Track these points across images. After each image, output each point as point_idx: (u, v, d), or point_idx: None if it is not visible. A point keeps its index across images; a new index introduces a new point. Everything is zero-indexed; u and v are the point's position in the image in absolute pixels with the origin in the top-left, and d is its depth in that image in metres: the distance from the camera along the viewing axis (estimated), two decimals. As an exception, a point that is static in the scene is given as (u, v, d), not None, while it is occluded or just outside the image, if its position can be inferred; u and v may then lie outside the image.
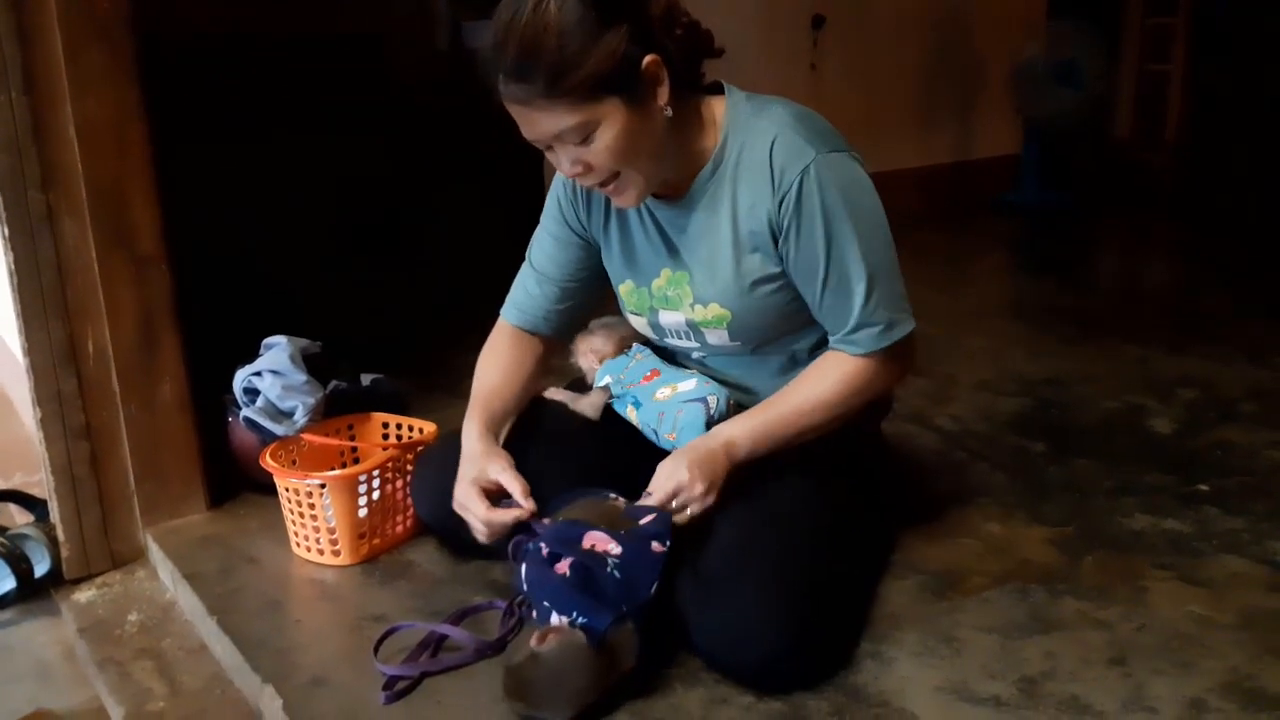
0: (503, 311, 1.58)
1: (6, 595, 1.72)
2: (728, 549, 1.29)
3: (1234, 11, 4.80)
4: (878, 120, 4.19)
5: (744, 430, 1.36)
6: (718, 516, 1.33)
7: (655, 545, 1.26)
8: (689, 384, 1.45)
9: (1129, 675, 1.26)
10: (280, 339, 1.82)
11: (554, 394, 1.62)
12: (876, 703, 1.23)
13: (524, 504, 1.36)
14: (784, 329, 1.42)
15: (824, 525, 1.37)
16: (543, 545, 1.27)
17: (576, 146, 1.24)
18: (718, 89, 1.38)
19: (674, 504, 1.31)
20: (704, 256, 1.38)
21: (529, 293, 1.54)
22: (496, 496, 1.39)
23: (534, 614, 1.25)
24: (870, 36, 4.14)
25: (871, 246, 1.32)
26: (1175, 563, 1.53)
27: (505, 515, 1.36)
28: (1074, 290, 3.34)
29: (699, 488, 1.30)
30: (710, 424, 1.40)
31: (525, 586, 1.26)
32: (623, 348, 1.56)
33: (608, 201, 1.43)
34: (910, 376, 2.33)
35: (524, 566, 1.27)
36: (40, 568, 1.73)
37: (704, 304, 1.40)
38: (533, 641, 1.18)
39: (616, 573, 1.23)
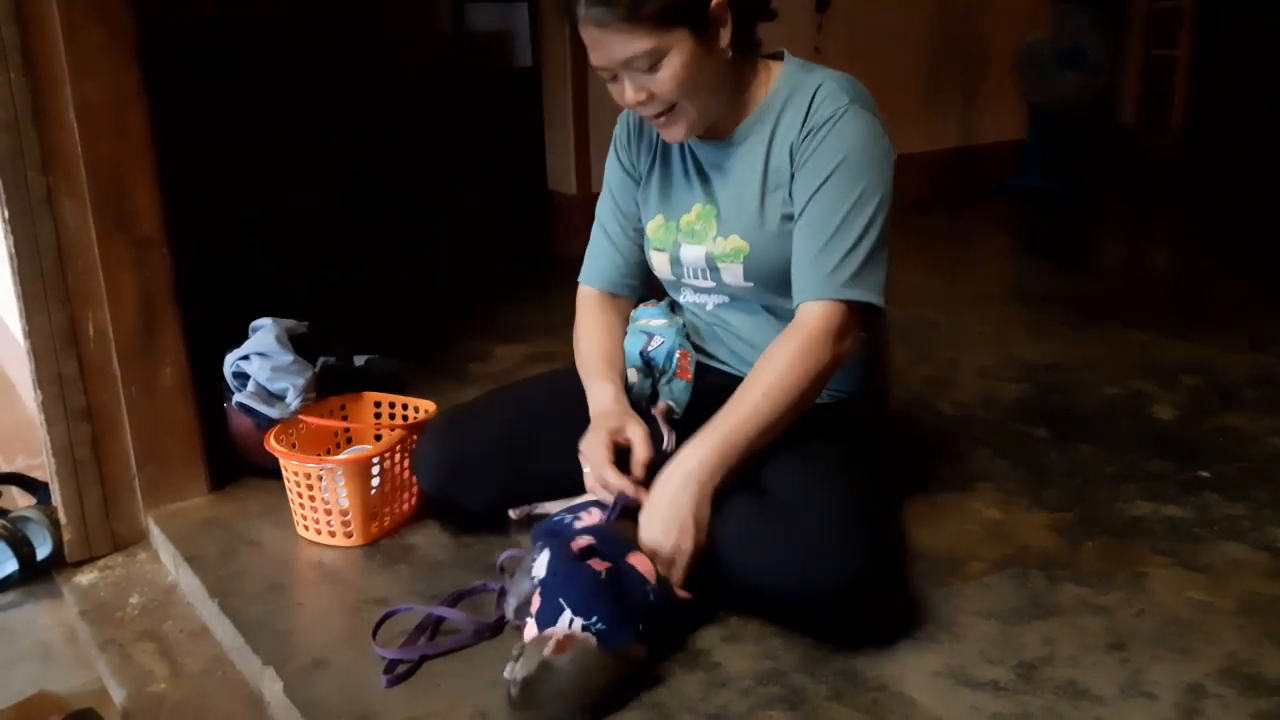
0: (581, 279, 1.63)
1: (8, 578, 1.72)
2: (786, 485, 1.33)
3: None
4: (882, 104, 4.13)
5: (708, 451, 1.33)
6: (764, 469, 1.37)
7: (679, 591, 1.28)
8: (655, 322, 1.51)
9: (1128, 660, 1.27)
10: (265, 321, 1.81)
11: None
12: (874, 686, 1.23)
13: (631, 491, 1.36)
14: None
15: (867, 475, 1.42)
16: (579, 539, 1.25)
17: (643, 74, 1.32)
18: (778, 56, 1.46)
19: (663, 570, 1.28)
20: (734, 191, 1.44)
21: (605, 256, 1.60)
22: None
23: (529, 610, 1.22)
24: (874, 20, 4.11)
25: (866, 206, 1.35)
26: (1175, 549, 1.53)
27: (622, 482, 1.36)
28: (1078, 275, 3.33)
29: (682, 546, 1.30)
30: (644, 356, 1.47)
31: (542, 576, 1.23)
32: None
33: (655, 140, 1.52)
34: (913, 362, 2.36)
35: (547, 555, 1.25)
36: (42, 550, 1.74)
37: (725, 236, 1.44)
38: (547, 651, 1.14)
39: (652, 596, 1.22)
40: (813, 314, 1.36)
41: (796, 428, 1.39)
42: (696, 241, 1.48)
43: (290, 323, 1.82)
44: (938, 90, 4.44)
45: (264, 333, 1.78)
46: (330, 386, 1.80)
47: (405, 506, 1.67)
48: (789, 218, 1.40)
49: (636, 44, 1.29)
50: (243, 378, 1.75)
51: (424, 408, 1.75)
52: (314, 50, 3.53)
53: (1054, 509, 1.66)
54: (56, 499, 1.71)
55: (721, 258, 1.45)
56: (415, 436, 1.65)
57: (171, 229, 1.69)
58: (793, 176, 1.39)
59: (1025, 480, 1.77)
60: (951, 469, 1.83)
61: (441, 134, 4.17)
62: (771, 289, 1.45)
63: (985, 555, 1.52)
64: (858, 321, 1.38)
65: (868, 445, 1.50)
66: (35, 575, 1.74)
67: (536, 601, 1.22)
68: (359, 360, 1.88)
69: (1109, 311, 2.82)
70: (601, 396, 1.48)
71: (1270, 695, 1.20)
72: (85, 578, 1.70)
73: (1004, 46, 4.48)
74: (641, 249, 1.59)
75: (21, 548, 1.72)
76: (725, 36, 1.33)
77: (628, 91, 1.35)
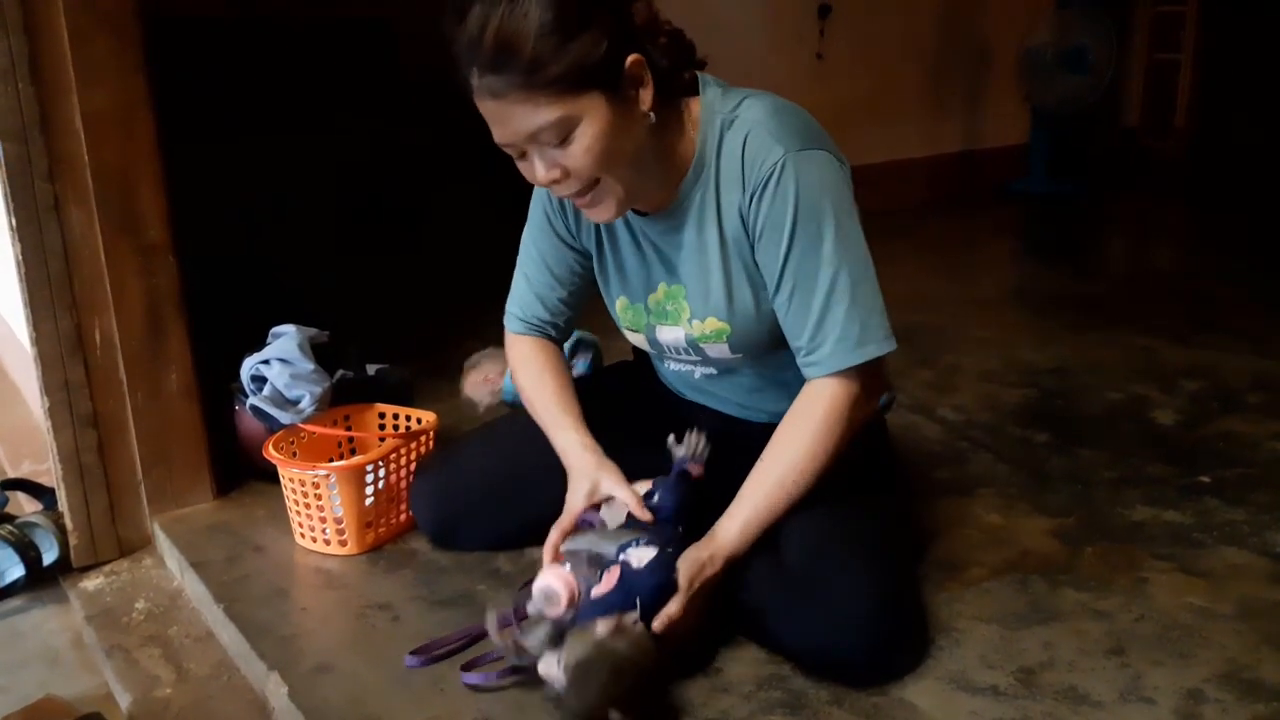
0: (508, 324, 1.54)
1: (15, 583, 1.73)
2: (811, 551, 1.28)
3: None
4: (885, 109, 4.18)
5: (735, 533, 1.28)
6: (788, 529, 1.30)
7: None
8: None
9: (1127, 665, 1.27)
10: (289, 328, 1.83)
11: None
12: (875, 692, 1.23)
13: (641, 514, 1.31)
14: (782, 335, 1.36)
15: (887, 526, 1.38)
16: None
17: (554, 149, 1.17)
18: (693, 87, 1.29)
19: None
20: (696, 270, 1.33)
21: (530, 307, 1.50)
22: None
23: (568, 618, 1.20)
24: (877, 25, 4.12)
25: (841, 250, 1.24)
26: (1175, 554, 1.53)
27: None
28: (1081, 279, 3.33)
29: (688, 629, 1.26)
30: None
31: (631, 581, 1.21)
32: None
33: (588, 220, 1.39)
34: (914, 367, 2.37)
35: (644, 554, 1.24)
36: (48, 555, 1.75)
37: (701, 319, 1.36)
38: (601, 631, 1.14)
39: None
40: (829, 388, 1.27)
41: None
42: (671, 323, 1.39)
43: (312, 331, 1.84)
44: (940, 94, 4.44)
45: (287, 339, 1.79)
46: (344, 397, 1.81)
47: (403, 517, 1.67)
48: (761, 288, 1.31)
49: (541, 114, 1.14)
50: (259, 381, 1.76)
51: (425, 419, 1.76)
52: (318, 51, 3.53)
53: (1054, 514, 1.67)
54: (63, 504, 1.72)
55: (703, 339, 1.37)
56: (413, 445, 1.66)
57: (177, 236, 1.70)
58: (753, 247, 1.28)
59: (1026, 485, 1.78)
60: (952, 473, 1.84)
61: (446, 138, 4.17)
62: (762, 354, 1.39)
63: (985, 560, 1.53)
64: (879, 373, 1.31)
65: (880, 475, 1.46)
66: (42, 580, 1.75)
67: (610, 582, 1.21)
68: (371, 369, 1.89)
69: (1111, 315, 2.83)
70: (569, 448, 1.40)
71: (1269, 700, 1.20)
72: (91, 583, 1.71)
73: (1006, 50, 4.49)
74: (569, 302, 1.49)
75: (28, 553, 1.73)
76: (646, 99, 1.19)
77: (539, 170, 1.20)
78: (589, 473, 1.36)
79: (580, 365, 1.88)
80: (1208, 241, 3.84)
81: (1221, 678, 1.24)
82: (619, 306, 1.46)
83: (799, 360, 1.30)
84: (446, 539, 1.61)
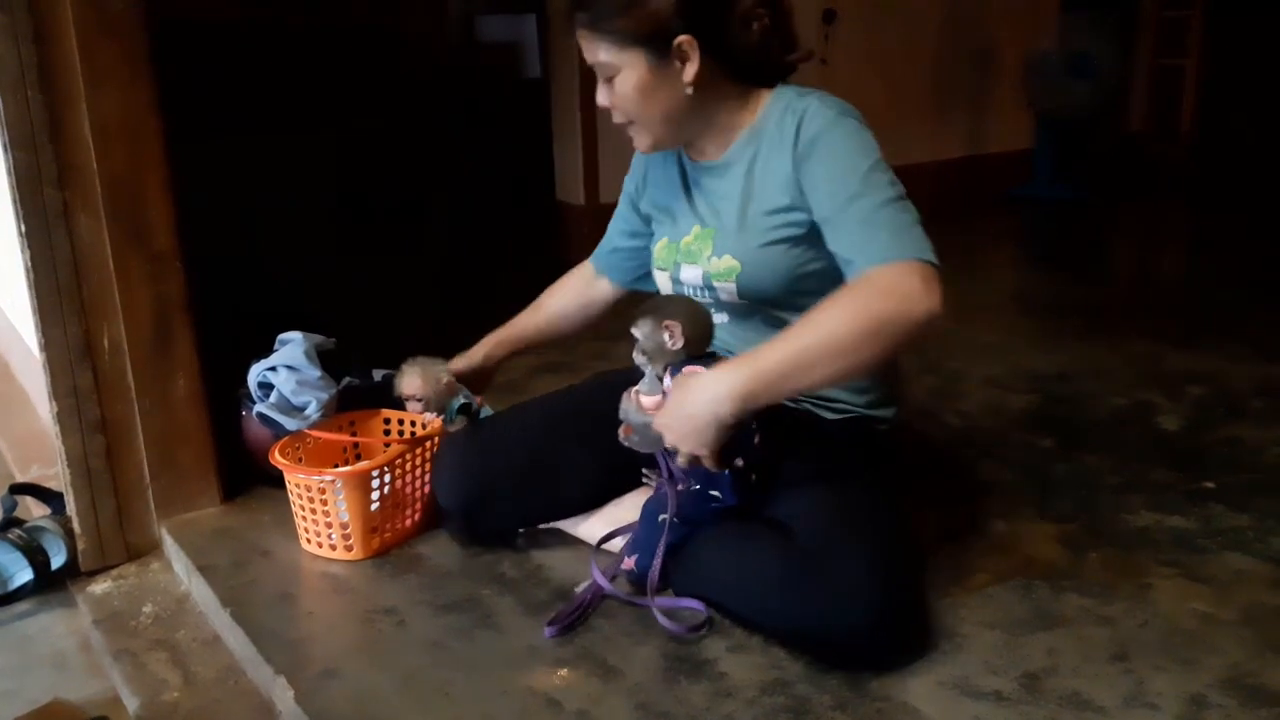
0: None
1: (24, 587, 1.74)
2: (820, 532, 1.32)
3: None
4: (889, 114, 4.18)
5: (746, 360, 1.27)
6: (790, 506, 1.38)
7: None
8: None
9: (1131, 671, 1.27)
10: (296, 335, 1.84)
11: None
12: (878, 697, 1.24)
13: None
14: (791, 289, 1.41)
15: (892, 513, 1.42)
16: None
17: (605, 82, 1.40)
18: (771, 78, 1.46)
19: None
20: (728, 212, 1.45)
21: (602, 245, 1.75)
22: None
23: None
24: (881, 30, 4.13)
25: (883, 178, 1.31)
26: (1179, 559, 1.54)
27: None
28: (1086, 284, 3.34)
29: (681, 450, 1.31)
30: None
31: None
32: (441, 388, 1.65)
33: (658, 169, 1.57)
34: (919, 372, 2.37)
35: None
36: (57, 560, 1.76)
37: (719, 256, 1.44)
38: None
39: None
40: (872, 272, 1.25)
41: (816, 452, 1.43)
42: (693, 261, 1.49)
43: (319, 338, 1.84)
44: (945, 100, 4.45)
45: (294, 346, 1.80)
46: (350, 403, 1.82)
47: (408, 523, 1.67)
48: (784, 240, 1.38)
49: (597, 52, 1.38)
50: (266, 388, 1.77)
51: (431, 424, 1.76)
52: (321, 57, 3.54)
53: (1059, 519, 1.67)
54: (71, 509, 1.73)
55: (716, 276, 1.45)
56: (419, 451, 1.66)
57: (185, 242, 1.71)
58: (793, 200, 1.36)
59: (1030, 491, 1.78)
60: (957, 479, 1.84)
61: (449, 144, 4.18)
62: (766, 305, 1.45)
63: (989, 565, 1.53)
64: (930, 279, 1.24)
65: (886, 468, 1.51)
66: (50, 584, 1.76)
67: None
68: (377, 375, 1.90)
69: (1116, 321, 2.83)
70: (482, 344, 1.71)
71: (1272, 706, 1.20)
72: (99, 587, 1.72)
73: (1010, 55, 4.49)
74: (627, 247, 1.69)
75: (37, 557, 1.74)
76: (689, 72, 1.36)
77: (600, 92, 1.42)
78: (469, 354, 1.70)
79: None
80: (1212, 246, 3.84)
81: (1225, 683, 1.25)
82: (658, 247, 1.56)
83: (852, 269, 1.29)
84: (474, 520, 1.61)
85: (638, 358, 1.37)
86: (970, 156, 4.57)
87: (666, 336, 1.33)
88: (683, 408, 1.28)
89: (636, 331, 1.37)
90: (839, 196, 1.31)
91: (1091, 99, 4.33)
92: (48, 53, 1.55)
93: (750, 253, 1.41)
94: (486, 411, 1.72)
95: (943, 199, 4.30)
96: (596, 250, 1.75)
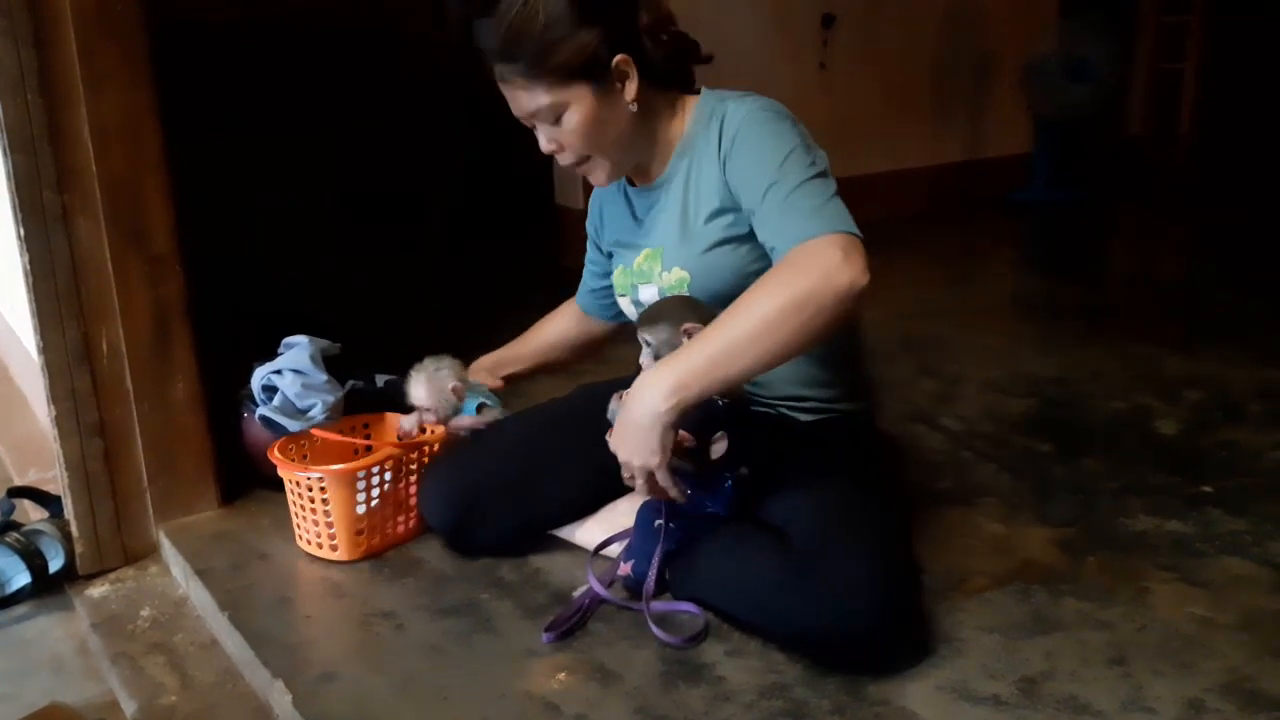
0: None
1: (21, 590, 1.74)
2: (817, 534, 1.32)
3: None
4: (888, 118, 4.20)
5: (690, 350, 1.27)
6: (795, 515, 1.36)
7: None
8: None
9: (1128, 675, 1.27)
10: (301, 338, 1.84)
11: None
12: (877, 701, 1.24)
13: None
14: (744, 289, 1.34)
15: (886, 514, 1.42)
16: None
17: (551, 126, 1.40)
18: (690, 82, 1.50)
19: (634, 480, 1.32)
20: (670, 227, 1.48)
21: (581, 286, 1.81)
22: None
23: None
24: (880, 34, 4.14)
25: (805, 158, 1.32)
26: (1177, 564, 1.54)
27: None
28: (1084, 289, 3.34)
29: (650, 465, 1.29)
30: None
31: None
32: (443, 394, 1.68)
33: (610, 205, 1.62)
34: (918, 376, 2.37)
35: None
36: (54, 563, 1.76)
37: (668, 270, 1.48)
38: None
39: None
40: (797, 247, 1.26)
41: (802, 454, 1.44)
42: (647, 281, 1.52)
43: (324, 343, 1.85)
44: (943, 104, 4.45)
45: (299, 350, 1.80)
46: (355, 407, 1.82)
47: (400, 528, 1.67)
48: (725, 241, 1.41)
49: (537, 99, 1.37)
50: (270, 391, 1.77)
51: (434, 430, 1.76)
52: (321, 57, 3.55)
53: (1057, 524, 1.67)
54: (69, 512, 1.73)
55: (670, 290, 1.47)
56: (414, 455, 1.66)
57: (183, 245, 1.71)
58: (724, 199, 1.40)
59: (1028, 495, 1.78)
60: (955, 483, 1.84)
61: (449, 145, 4.19)
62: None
63: (987, 570, 1.53)
64: (853, 251, 1.22)
65: (872, 464, 1.52)
66: (48, 588, 1.76)
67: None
68: (380, 380, 1.90)
69: (1115, 325, 2.83)
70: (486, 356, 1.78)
71: (1270, 710, 1.20)
72: (97, 590, 1.72)
73: (1008, 59, 4.50)
74: (600, 285, 1.74)
75: (34, 560, 1.74)
76: (630, 90, 1.39)
77: (542, 141, 1.44)
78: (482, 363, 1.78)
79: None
80: (1211, 251, 3.84)
81: (1223, 688, 1.24)
82: (615, 275, 1.61)
83: (774, 260, 1.31)
84: (461, 539, 1.61)
85: (647, 363, 1.37)
86: (969, 160, 4.58)
87: (685, 340, 1.33)
88: (626, 424, 1.29)
89: (650, 336, 1.37)
90: (759, 188, 1.33)
91: (1090, 103, 4.34)
92: (47, 56, 1.55)
93: (695, 260, 1.44)
94: (505, 412, 1.71)
95: (942, 203, 4.31)
96: (578, 291, 1.81)
